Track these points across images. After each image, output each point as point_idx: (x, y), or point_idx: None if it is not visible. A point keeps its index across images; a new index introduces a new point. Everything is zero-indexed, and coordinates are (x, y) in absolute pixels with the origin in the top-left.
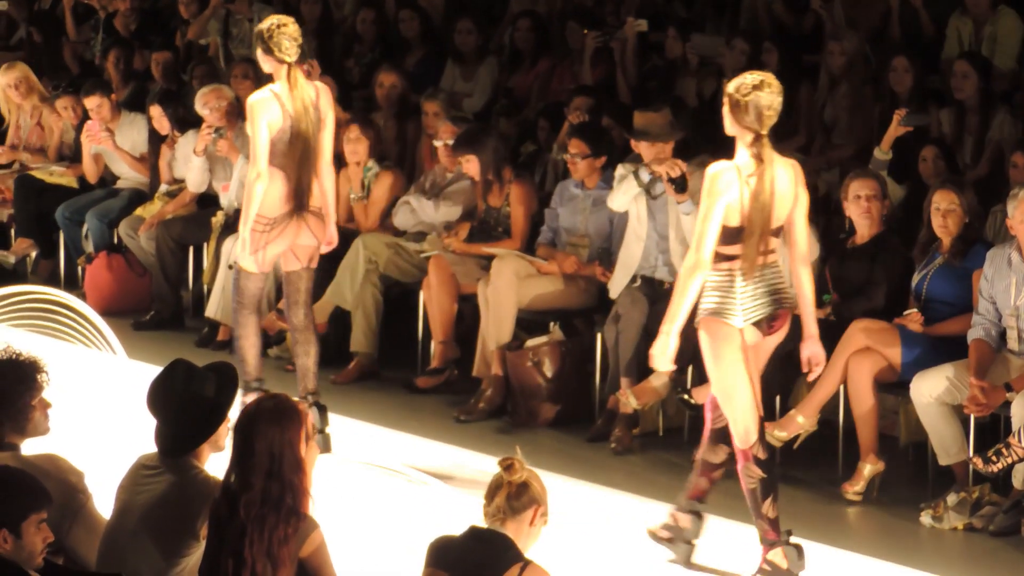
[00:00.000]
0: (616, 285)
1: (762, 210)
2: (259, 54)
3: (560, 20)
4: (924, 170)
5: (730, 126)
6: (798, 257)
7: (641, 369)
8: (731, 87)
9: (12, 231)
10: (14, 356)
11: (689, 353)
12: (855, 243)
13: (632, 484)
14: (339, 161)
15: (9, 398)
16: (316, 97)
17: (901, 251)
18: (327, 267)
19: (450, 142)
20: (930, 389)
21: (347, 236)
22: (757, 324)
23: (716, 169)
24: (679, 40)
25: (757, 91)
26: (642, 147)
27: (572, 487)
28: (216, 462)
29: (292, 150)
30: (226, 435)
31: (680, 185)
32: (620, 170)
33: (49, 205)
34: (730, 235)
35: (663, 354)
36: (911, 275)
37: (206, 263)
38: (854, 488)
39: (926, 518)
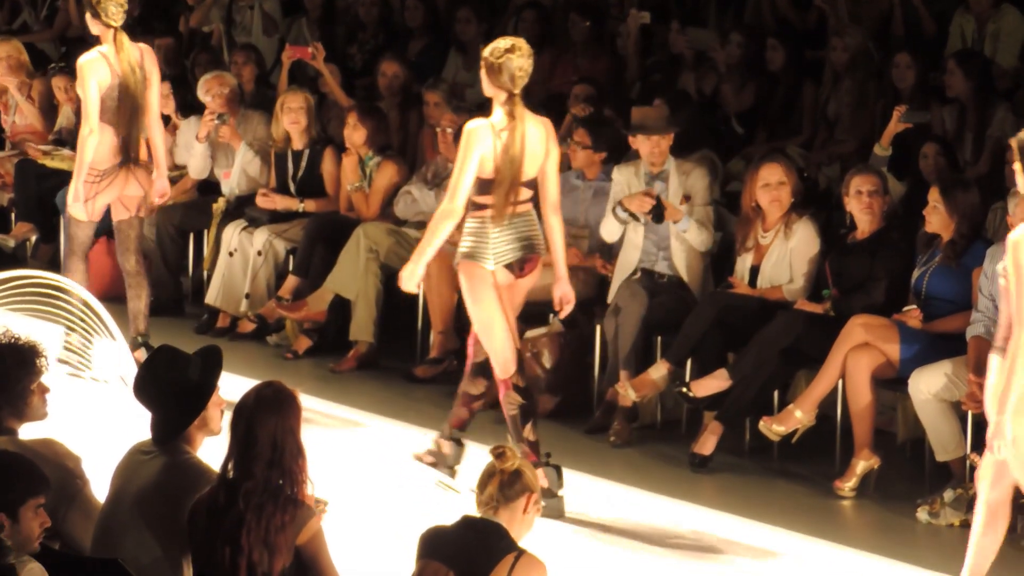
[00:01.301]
0: (615, 289)
1: (512, 163)
2: (88, 18)
3: (564, 11)
4: (925, 167)
5: (487, 87)
6: (549, 206)
7: (640, 362)
8: (486, 52)
9: (12, 215)
10: (13, 340)
11: (688, 348)
12: (855, 238)
13: (629, 476)
14: (341, 148)
15: (8, 382)
16: (141, 58)
17: (901, 247)
18: (328, 256)
19: (451, 132)
20: (928, 385)
21: (348, 225)
22: (508, 266)
23: (472, 125)
24: (682, 34)
25: (509, 55)
26: (639, 141)
27: (570, 478)
28: (211, 447)
29: (121, 107)
30: (220, 419)
31: (658, 215)
32: (616, 174)
33: (49, 189)
34: (483, 185)
35: (411, 278)
36: (911, 271)
37: (206, 250)
38: (847, 484)
39: (923, 514)
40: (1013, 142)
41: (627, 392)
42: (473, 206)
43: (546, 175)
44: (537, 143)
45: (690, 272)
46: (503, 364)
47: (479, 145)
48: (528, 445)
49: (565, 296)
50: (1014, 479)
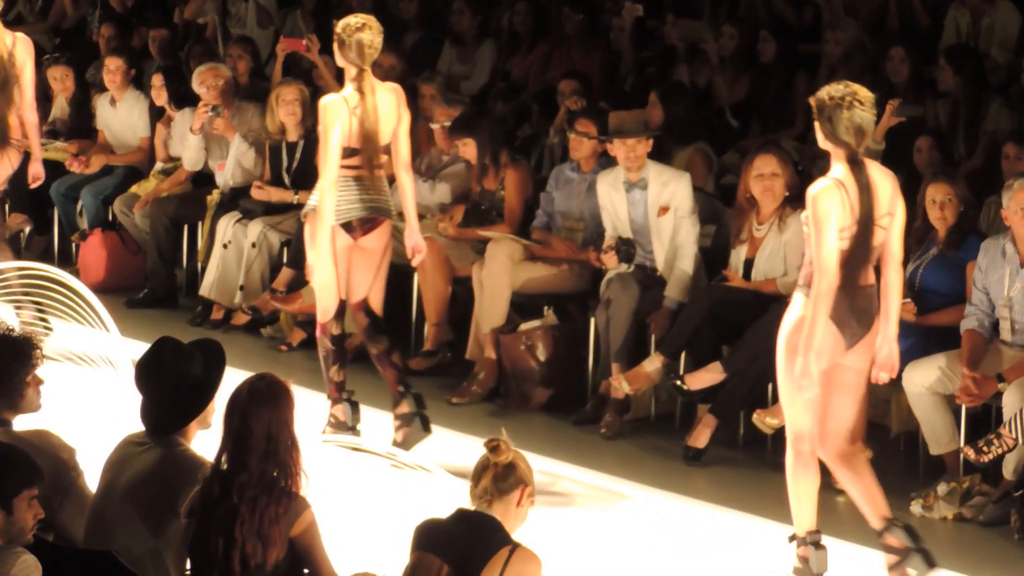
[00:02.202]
0: (607, 282)
1: (370, 134)
2: None
3: (558, 4)
4: (919, 160)
5: (339, 60)
6: (401, 166)
7: (632, 354)
8: (339, 28)
9: (6, 207)
10: (8, 332)
11: (682, 340)
12: None
13: (623, 469)
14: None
15: (5, 374)
16: (13, 45)
17: None
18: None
19: (447, 124)
20: (922, 379)
21: None
22: (347, 227)
23: (326, 100)
24: (677, 27)
25: (359, 32)
26: (616, 147)
27: (563, 471)
28: (203, 440)
29: None
30: (213, 412)
31: (627, 256)
32: (599, 183)
33: (43, 180)
34: (346, 153)
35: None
36: (905, 265)
37: (200, 242)
38: None
39: (916, 507)
40: (812, 100)
41: (621, 385)
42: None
43: (398, 138)
44: (389, 111)
45: (666, 267)
46: (323, 310)
47: (336, 118)
48: (333, 385)
49: (416, 246)
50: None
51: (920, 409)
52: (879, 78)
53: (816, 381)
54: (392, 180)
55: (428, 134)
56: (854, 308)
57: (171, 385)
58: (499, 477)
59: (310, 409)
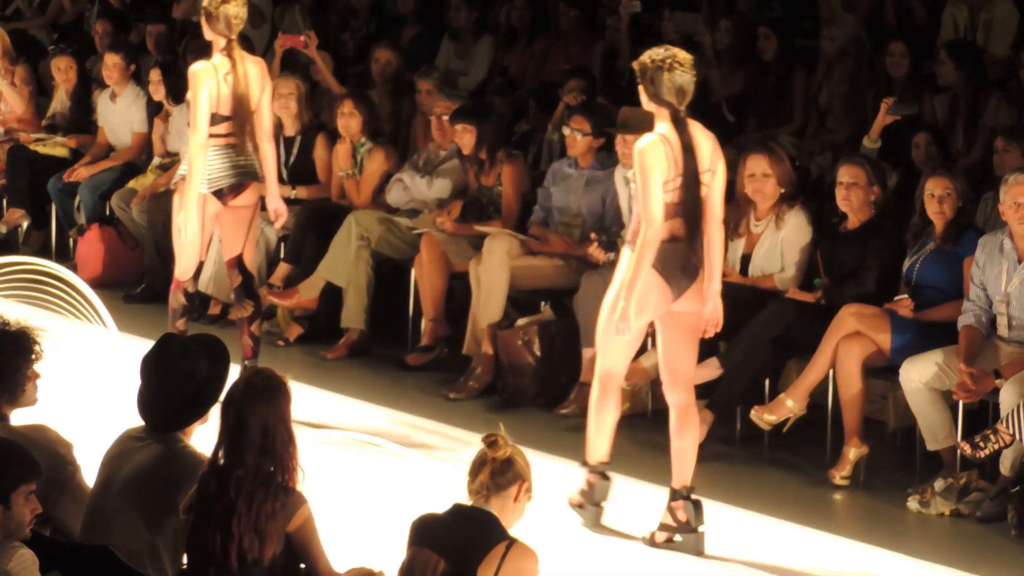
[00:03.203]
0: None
1: (241, 100)
2: None
3: (556, 0)
4: (916, 156)
5: (207, 32)
6: (264, 135)
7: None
8: (205, 2)
9: (4, 201)
10: (10, 327)
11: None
12: (847, 228)
13: (619, 464)
14: (333, 135)
15: (8, 370)
16: None
17: (893, 236)
18: (319, 243)
19: (446, 117)
20: (919, 374)
21: (340, 212)
22: (218, 193)
23: (196, 67)
24: (671, 20)
25: (225, 4)
26: (618, 140)
27: (559, 467)
28: (201, 435)
29: None
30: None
31: (607, 244)
32: (616, 173)
33: (41, 176)
34: (216, 120)
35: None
36: (902, 261)
37: None
38: (840, 473)
39: (913, 503)
40: (635, 64)
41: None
42: (210, 136)
43: (260, 109)
44: (255, 82)
45: None
46: (183, 269)
47: (204, 83)
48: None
49: (278, 210)
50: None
51: (917, 405)
52: (877, 74)
53: (631, 325)
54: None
55: (425, 129)
56: (680, 261)
57: (178, 384)
58: (497, 472)
59: (308, 404)
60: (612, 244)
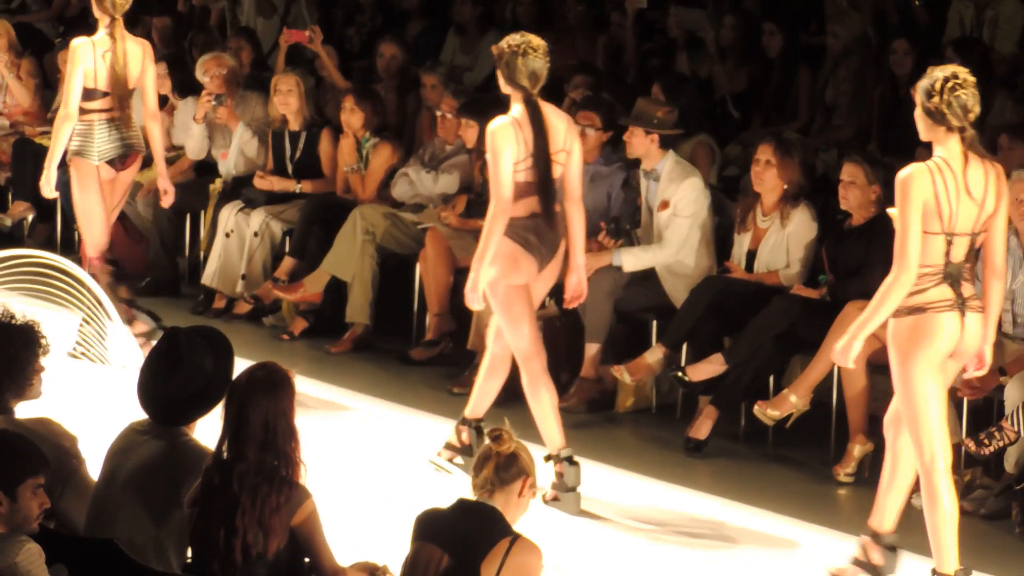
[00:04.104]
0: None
1: (119, 76)
2: None
3: None
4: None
5: (95, 11)
6: (150, 115)
7: (612, 337)
8: None
9: (9, 194)
10: (18, 321)
11: (683, 332)
12: (851, 225)
13: (624, 460)
14: (338, 130)
15: (18, 364)
16: None
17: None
18: (324, 237)
19: (450, 115)
20: None
21: (345, 206)
22: (111, 163)
23: (75, 43)
24: (675, 16)
25: None
26: (629, 134)
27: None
28: (204, 428)
29: None
30: None
31: (615, 232)
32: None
33: None
34: (88, 94)
35: (46, 185)
36: None
37: (203, 231)
38: (845, 470)
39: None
40: (494, 49)
41: (622, 376)
42: (82, 111)
43: (145, 89)
44: (135, 61)
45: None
46: (95, 245)
47: (82, 61)
48: (123, 304)
49: (166, 189)
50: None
51: None
52: (883, 71)
53: (481, 297)
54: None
55: (430, 124)
56: (542, 234)
57: (185, 378)
58: (501, 467)
59: (313, 398)
60: (620, 232)
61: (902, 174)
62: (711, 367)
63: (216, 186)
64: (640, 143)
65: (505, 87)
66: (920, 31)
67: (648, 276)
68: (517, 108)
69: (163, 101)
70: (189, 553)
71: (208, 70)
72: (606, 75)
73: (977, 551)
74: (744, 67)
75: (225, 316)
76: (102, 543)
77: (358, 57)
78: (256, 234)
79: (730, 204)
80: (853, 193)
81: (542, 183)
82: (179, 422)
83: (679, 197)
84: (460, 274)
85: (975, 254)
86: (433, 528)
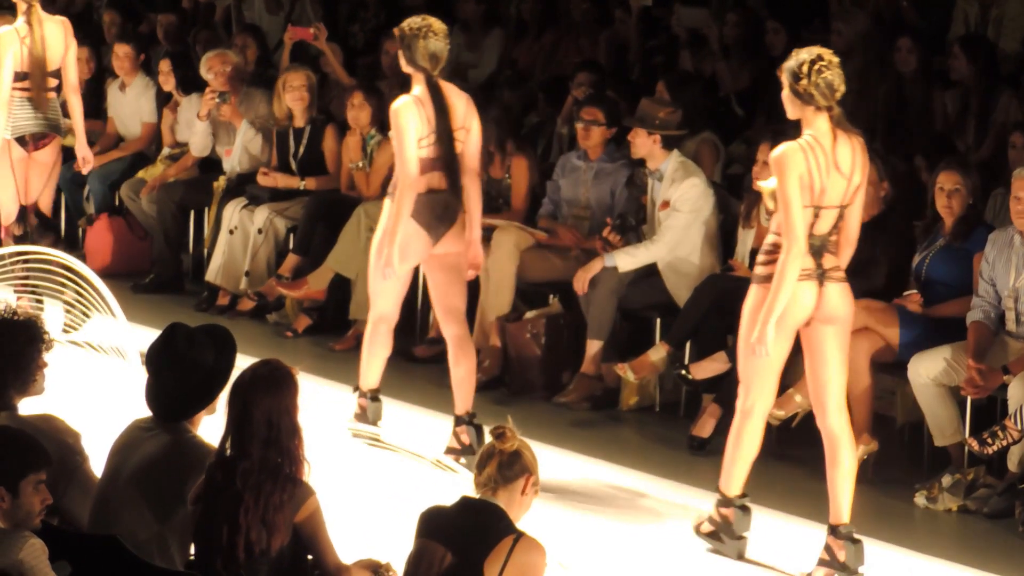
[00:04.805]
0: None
1: (37, 59)
2: None
3: None
4: (1013, 156)
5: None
6: (71, 88)
7: (615, 335)
8: None
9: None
10: (19, 316)
11: (687, 330)
12: None
13: (628, 458)
14: (343, 127)
15: (22, 360)
16: None
17: (902, 232)
18: (328, 234)
19: None
20: (927, 370)
21: (349, 203)
22: (22, 141)
23: (0, 32)
24: (678, 13)
25: None
26: (633, 134)
27: (567, 460)
28: (208, 426)
29: None
30: (219, 398)
31: (620, 228)
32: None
33: None
34: (17, 77)
35: None
36: (912, 256)
37: (207, 228)
38: None
39: (921, 499)
40: (396, 31)
41: (626, 374)
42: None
43: (66, 65)
44: (57, 42)
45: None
46: (5, 215)
47: (9, 47)
48: (18, 280)
49: (85, 157)
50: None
51: (925, 400)
52: (887, 69)
53: (396, 269)
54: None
55: None
56: (439, 210)
57: (184, 373)
58: (504, 465)
59: (316, 396)
60: (626, 228)
61: (775, 153)
62: (715, 365)
63: (220, 183)
64: (643, 144)
65: (407, 68)
66: (927, 28)
67: (652, 274)
68: (419, 88)
69: (167, 98)
70: (192, 550)
71: (212, 67)
72: (610, 72)
73: (980, 550)
74: (748, 65)
75: (229, 313)
76: (105, 540)
77: (362, 54)
78: (260, 231)
79: (734, 202)
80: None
81: (446, 159)
82: (180, 417)
83: (679, 196)
84: None
85: (839, 227)
86: (436, 526)
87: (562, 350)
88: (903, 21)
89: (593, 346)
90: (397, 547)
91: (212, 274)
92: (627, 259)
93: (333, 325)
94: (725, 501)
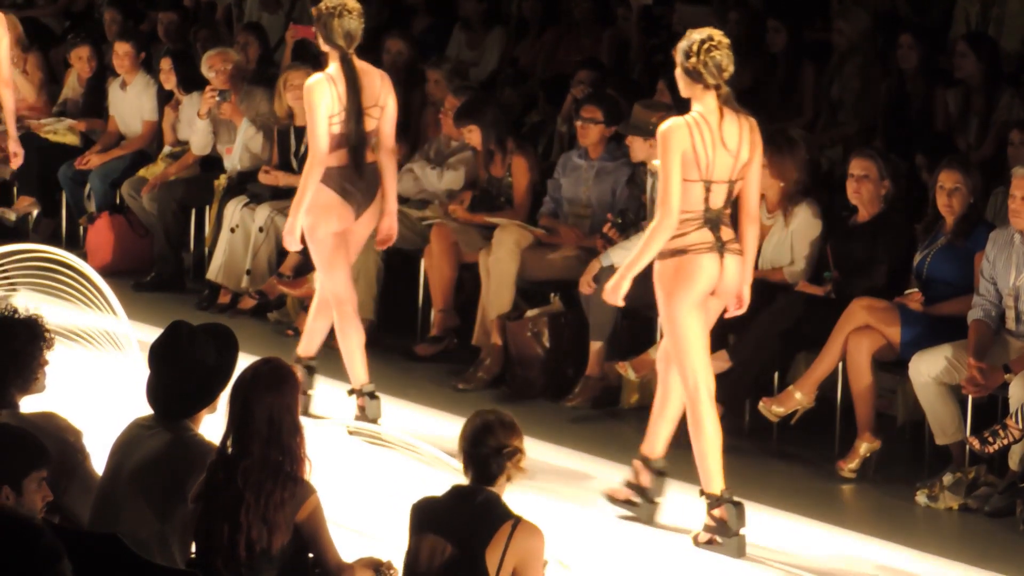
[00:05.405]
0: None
1: None
2: None
3: None
4: (1012, 153)
5: None
6: (3, 80)
7: (616, 335)
8: None
9: (14, 188)
10: (20, 315)
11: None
12: (857, 221)
13: (628, 456)
14: None
15: (24, 358)
16: None
17: (903, 230)
18: None
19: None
20: (929, 369)
21: None
22: None
23: None
24: (678, 12)
25: None
26: (631, 139)
27: (568, 458)
28: (210, 424)
29: None
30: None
31: (621, 226)
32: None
33: (52, 163)
34: None
35: None
36: (913, 254)
37: (208, 226)
38: (849, 465)
39: (922, 497)
40: (314, 10)
41: (627, 372)
42: None
43: (0, 60)
44: None
45: None
46: None
47: None
48: None
49: (15, 152)
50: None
51: (926, 399)
52: (889, 67)
53: (298, 240)
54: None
55: (436, 119)
56: (358, 183)
57: (186, 371)
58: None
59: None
60: (627, 225)
61: (662, 128)
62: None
63: (221, 181)
64: (640, 148)
65: (323, 46)
66: (928, 26)
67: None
68: (333, 66)
69: (169, 96)
70: (193, 548)
71: (213, 65)
72: (611, 71)
73: (981, 548)
74: (748, 63)
75: (230, 311)
76: (106, 538)
77: (364, 51)
78: (261, 229)
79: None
80: (866, 187)
81: (352, 137)
82: (181, 415)
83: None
84: (465, 270)
85: (733, 201)
86: (432, 518)
87: (563, 348)
88: (902, 19)
89: (595, 346)
90: (398, 545)
91: (213, 272)
92: (624, 255)
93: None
94: (644, 461)
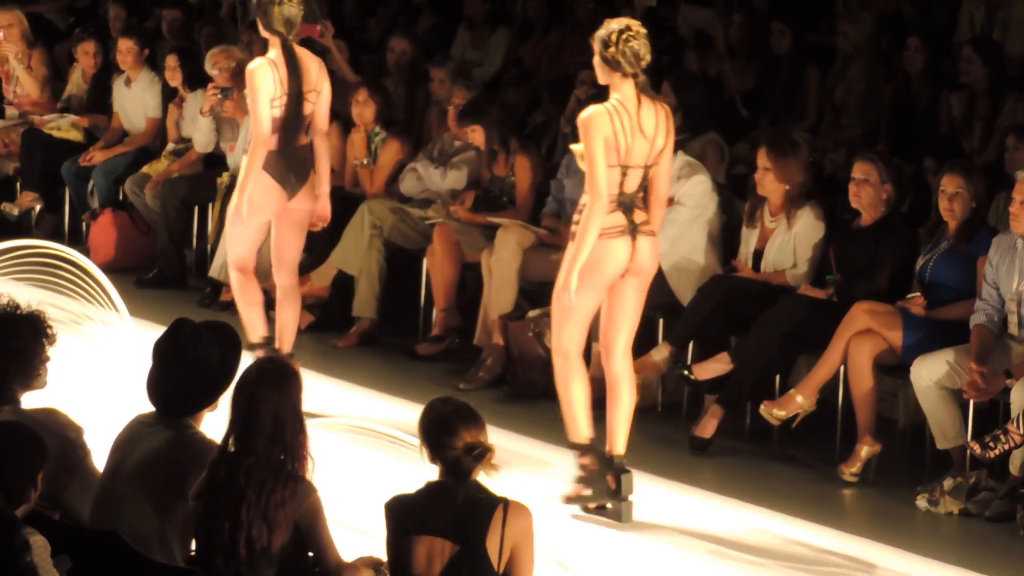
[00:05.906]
0: None
1: None
2: None
3: None
4: (1007, 157)
5: None
6: None
7: None
8: None
9: (17, 184)
10: (24, 312)
11: (690, 330)
12: (859, 225)
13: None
14: (348, 124)
15: (27, 355)
16: None
17: (906, 234)
18: (331, 231)
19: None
20: (930, 373)
21: (352, 201)
22: None
23: None
24: (684, 14)
25: None
26: None
27: (567, 459)
28: (211, 422)
29: None
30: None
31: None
32: None
33: (55, 159)
34: None
35: None
36: (915, 258)
37: (210, 223)
38: (851, 469)
39: (922, 502)
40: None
41: None
42: None
43: None
44: None
45: (665, 260)
46: None
47: None
48: None
49: None
50: None
51: (927, 403)
52: (894, 70)
53: (244, 218)
54: None
55: (439, 118)
56: (291, 165)
57: (190, 370)
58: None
59: (318, 393)
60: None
61: (583, 115)
62: (717, 366)
63: (224, 179)
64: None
65: (264, 32)
66: (933, 30)
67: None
68: (274, 51)
69: (172, 93)
70: (193, 546)
71: (217, 63)
72: None
73: (981, 553)
74: (753, 66)
75: (232, 309)
76: (106, 534)
77: (375, 49)
78: None
79: (739, 203)
80: (866, 191)
81: (289, 119)
82: (183, 413)
83: (684, 191)
84: (467, 269)
85: (645, 185)
86: (416, 519)
87: None
88: (906, 23)
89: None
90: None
91: (215, 270)
92: None
93: (336, 322)
94: (581, 449)
